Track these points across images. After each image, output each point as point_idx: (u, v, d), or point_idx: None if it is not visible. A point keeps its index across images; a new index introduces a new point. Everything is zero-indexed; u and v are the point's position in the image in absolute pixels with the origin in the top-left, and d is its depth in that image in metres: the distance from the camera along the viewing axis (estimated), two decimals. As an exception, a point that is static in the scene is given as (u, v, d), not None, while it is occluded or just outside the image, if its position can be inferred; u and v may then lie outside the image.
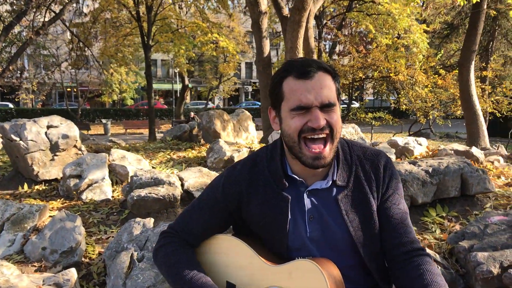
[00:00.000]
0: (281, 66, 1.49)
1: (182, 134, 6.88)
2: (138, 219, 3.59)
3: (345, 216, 1.49)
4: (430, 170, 3.28)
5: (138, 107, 39.08)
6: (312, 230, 1.51)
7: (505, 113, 19.03)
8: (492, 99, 18.50)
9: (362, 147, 1.60)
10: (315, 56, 9.32)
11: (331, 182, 1.51)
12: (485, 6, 12.53)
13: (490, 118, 19.39)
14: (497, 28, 19.68)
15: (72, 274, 3.25)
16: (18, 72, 13.46)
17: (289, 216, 1.51)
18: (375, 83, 20.69)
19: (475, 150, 4.86)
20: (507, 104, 18.97)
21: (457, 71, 14.20)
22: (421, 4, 19.34)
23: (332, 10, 23.73)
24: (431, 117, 19.43)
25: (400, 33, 17.86)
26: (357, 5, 19.63)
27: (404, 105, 19.39)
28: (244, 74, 47.84)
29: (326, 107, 1.40)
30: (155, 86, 39.11)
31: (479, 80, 18.90)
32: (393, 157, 5.25)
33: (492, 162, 5.19)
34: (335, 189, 1.52)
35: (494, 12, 12.86)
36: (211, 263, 1.62)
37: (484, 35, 19.98)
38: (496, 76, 19.93)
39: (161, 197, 4.12)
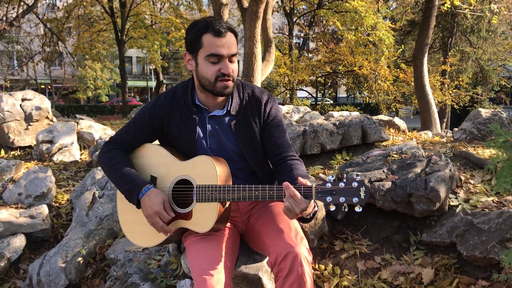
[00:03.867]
0: (200, 23, 2.09)
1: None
2: (100, 167, 4.25)
3: (235, 135, 2.21)
4: (337, 123, 4.06)
5: (113, 104, 39.27)
6: (212, 143, 2.23)
7: (462, 105, 20.17)
8: (450, 91, 19.55)
9: (251, 86, 2.30)
10: (272, 54, 9.95)
11: (226, 111, 2.22)
12: (437, 2, 13.43)
13: (448, 110, 20.47)
14: (455, 25, 20.72)
15: (44, 209, 3.91)
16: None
17: (196, 133, 2.21)
18: (341, 77, 21.53)
19: (397, 120, 5.67)
20: (464, 97, 20.10)
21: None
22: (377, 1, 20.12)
23: (302, 7, 24.49)
24: (394, 109, 20.33)
25: (367, 30, 18.69)
26: (327, 2, 20.27)
27: (368, 98, 20.29)
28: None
29: (232, 56, 2.08)
30: (131, 83, 39.39)
31: (439, 74, 19.95)
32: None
33: (417, 132, 6.04)
34: (229, 117, 2.22)
35: (445, 8, 13.74)
36: (140, 164, 2.27)
37: (444, 31, 21.04)
38: (454, 71, 20.99)
39: (122, 155, 4.80)
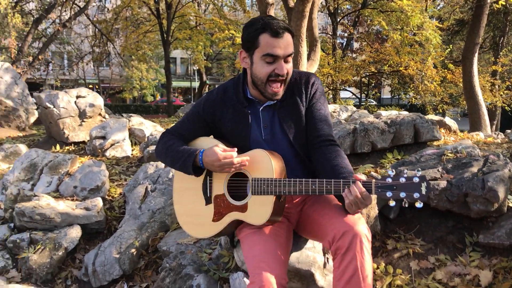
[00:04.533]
0: (258, 22, 2.12)
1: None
2: (152, 162, 4.37)
3: (283, 119, 2.23)
4: (389, 121, 3.99)
5: (158, 104, 40.09)
6: (266, 134, 2.26)
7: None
8: (501, 92, 18.86)
9: (297, 71, 2.32)
10: (317, 53, 9.87)
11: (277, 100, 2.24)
12: (489, 0, 12.99)
13: (498, 112, 19.75)
14: (507, 23, 19.98)
15: (98, 201, 4.04)
16: (45, 64, 14.42)
17: (249, 126, 2.24)
18: (387, 79, 21.16)
19: (447, 120, 5.53)
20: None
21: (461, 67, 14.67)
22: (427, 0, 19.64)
23: (347, 7, 24.23)
24: (440, 111, 19.82)
25: (413, 29, 18.30)
26: (372, 2, 20.00)
27: (413, 99, 19.85)
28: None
29: (288, 57, 2.10)
30: (175, 83, 40.10)
31: (489, 74, 19.29)
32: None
33: (469, 133, 5.87)
34: (278, 103, 2.24)
35: (497, 6, 13.27)
36: None
37: (495, 30, 20.32)
38: (505, 71, 20.25)
39: (171, 151, 4.90)
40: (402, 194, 1.85)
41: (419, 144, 4.06)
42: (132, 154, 5.52)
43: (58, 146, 5.84)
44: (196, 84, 37.75)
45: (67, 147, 5.94)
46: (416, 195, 1.84)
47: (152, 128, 5.92)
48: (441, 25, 19.50)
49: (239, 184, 2.22)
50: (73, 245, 3.77)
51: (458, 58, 22.01)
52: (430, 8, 21.30)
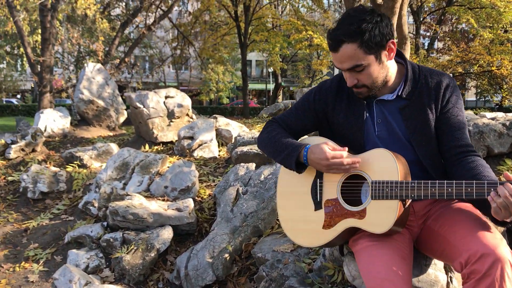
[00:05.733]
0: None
1: (278, 111, 7.50)
2: (242, 164, 4.22)
3: (405, 120, 1.95)
4: (507, 123, 3.55)
5: (233, 106, 40.61)
6: (380, 130, 1.99)
7: None
8: None
9: (429, 69, 2.02)
10: (407, 52, 9.37)
11: (396, 96, 1.97)
12: None
13: None
14: None
15: (190, 202, 3.96)
16: (131, 67, 15.00)
17: (364, 118, 1.99)
18: (476, 79, 19.91)
19: None
20: None
21: None
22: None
23: (430, 5, 23.13)
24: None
25: (506, 27, 17.10)
26: (458, -1, 18.95)
27: (507, 101, 18.52)
28: (337, 73, 47.72)
29: (353, 68, 1.84)
30: (250, 85, 40.42)
31: None
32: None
33: None
34: (400, 100, 1.97)
35: None
36: None
37: None
38: None
39: (260, 152, 4.74)
40: None
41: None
42: (219, 155, 5.44)
43: (147, 146, 5.89)
44: (271, 86, 37.84)
45: (155, 147, 5.98)
46: None
47: (239, 129, 5.80)
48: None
49: (353, 188, 1.97)
50: (165, 246, 3.70)
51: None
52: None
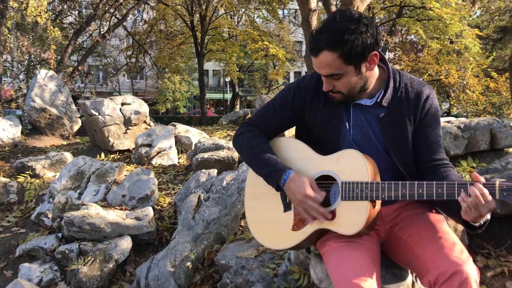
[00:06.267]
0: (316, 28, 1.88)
1: (237, 119, 7.46)
2: (203, 170, 4.14)
3: (382, 129, 1.92)
4: (462, 126, 3.65)
5: (190, 115, 40.28)
6: (355, 133, 1.95)
7: None
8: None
9: (410, 77, 1.98)
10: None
11: (375, 102, 1.93)
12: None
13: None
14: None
15: (150, 211, 3.84)
16: (84, 75, 14.58)
17: (341, 120, 1.95)
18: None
19: None
20: None
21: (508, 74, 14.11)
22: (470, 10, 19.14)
23: (381, 17, 23.83)
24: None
25: (451, 38, 17.81)
26: (407, 11, 19.61)
27: (455, 108, 19.24)
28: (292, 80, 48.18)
29: (330, 76, 1.81)
30: (207, 95, 40.22)
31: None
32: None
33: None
34: (379, 108, 1.93)
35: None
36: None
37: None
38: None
39: (221, 159, 4.67)
40: None
41: (495, 151, 3.69)
42: (179, 163, 5.33)
43: (103, 155, 5.70)
44: (228, 96, 37.82)
45: (112, 156, 5.80)
46: None
47: (199, 136, 5.71)
48: (480, 33, 18.93)
49: (322, 189, 1.93)
50: (124, 257, 3.57)
51: (500, 67, 21.33)
52: (468, 16, 20.73)
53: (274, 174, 1.90)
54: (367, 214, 1.78)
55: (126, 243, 3.60)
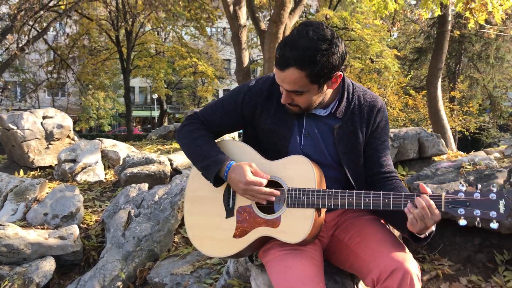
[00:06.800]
0: (284, 40, 1.72)
1: (167, 133, 7.26)
2: (133, 185, 3.95)
3: (336, 142, 1.88)
4: (392, 135, 3.77)
5: (115, 133, 39.06)
6: (306, 144, 1.89)
7: (473, 131, 19.99)
8: (460, 118, 19.39)
9: (363, 89, 1.96)
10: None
11: (329, 112, 1.89)
12: (449, 27, 13.38)
13: (459, 136, 20.27)
14: (463, 51, 20.78)
15: (75, 229, 3.59)
16: (0, 90, 13.66)
17: (292, 128, 1.89)
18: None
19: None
20: (474, 123, 19.95)
21: (426, 92, 15.04)
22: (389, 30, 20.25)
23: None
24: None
25: (372, 57, 18.72)
26: (331, 32, 20.32)
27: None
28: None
29: (292, 92, 1.74)
30: (133, 112, 39.24)
31: (448, 100, 19.84)
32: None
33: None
34: (333, 119, 1.89)
35: (458, 33, 13.72)
36: None
37: (451, 58, 21.05)
38: (463, 97, 20.93)
39: (152, 173, 4.48)
40: (476, 212, 1.58)
41: (424, 159, 3.84)
42: (106, 178, 5.05)
43: (22, 172, 5.28)
44: (155, 113, 37.14)
45: (32, 173, 5.39)
46: (492, 214, 1.56)
47: (127, 150, 5.46)
48: (398, 53, 20.09)
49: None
50: (46, 280, 3.27)
51: (416, 85, 22.67)
52: (388, 37, 21.96)
53: (215, 165, 1.83)
54: (312, 222, 1.74)
55: (48, 265, 3.31)
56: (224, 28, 20.59)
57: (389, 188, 1.86)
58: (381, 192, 1.69)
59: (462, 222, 1.59)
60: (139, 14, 17.90)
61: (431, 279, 2.65)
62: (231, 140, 2.04)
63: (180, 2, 15.80)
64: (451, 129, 18.56)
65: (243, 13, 8.98)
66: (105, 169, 5.18)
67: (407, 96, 19.14)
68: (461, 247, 2.84)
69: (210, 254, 1.97)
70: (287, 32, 9.36)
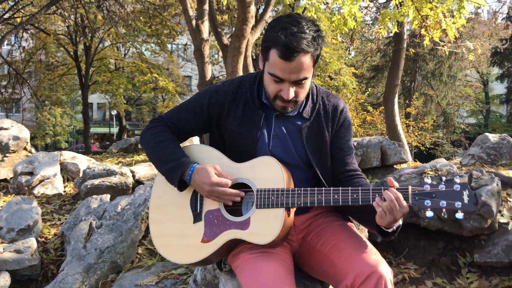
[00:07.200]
0: (275, 25, 1.71)
1: (128, 146, 7.13)
2: (95, 196, 3.84)
3: (305, 142, 1.89)
4: (355, 143, 3.84)
5: (73, 150, 38.02)
6: (274, 145, 1.89)
7: (428, 146, 20.66)
8: (416, 133, 20.02)
9: (326, 91, 2.00)
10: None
11: (297, 112, 1.90)
12: (405, 45, 13.86)
13: (415, 151, 20.89)
14: (417, 69, 21.55)
15: (32, 242, 3.44)
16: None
17: (260, 130, 1.87)
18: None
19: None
20: (429, 138, 20.63)
21: (383, 108, 15.48)
22: (347, 48, 20.79)
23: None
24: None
25: (331, 75, 19.14)
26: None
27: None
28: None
29: (299, 81, 1.72)
30: (91, 129, 38.40)
31: (403, 116, 20.47)
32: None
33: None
34: (300, 119, 1.90)
35: (413, 51, 14.23)
36: None
37: (406, 76, 21.78)
38: (418, 113, 21.64)
39: (114, 185, 4.37)
40: (442, 203, 1.61)
41: (386, 167, 3.92)
42: (65, 191, 4.88)
43: (-27, 186, 5.05)
44: (114, 130, 36.48)
45: (-16, 187, 5.17)
46: (457, 204, 1.61)
47: (87, 162, 5.31)
48: (356, 71, 20.65)
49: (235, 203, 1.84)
50: (0, 296, 3.11)
51: (374, 102, 23.30)
52: (346, 56, 22.58)
53: (178, 168, 1.80)
54: (282, 222, 1.72)
55: (3, 280, 3.15)
56: (186, 44, 20.52)
57: (355, 186, 1.87)
58: (349, 188, 1.70)
59: (429, 213, 1.62)
60: (99, 29, 17.64)
61: (397, 282, 2.68)
62: (198, 144, 2.01)
63: (141, 17, 15.74)
64: (407, 144, 19.17)
65: (205, 27, 8.97)
66: (64, 182, 5.01)
67: (365, 112, 19.64)
68: (426, 251, 2.90)
69: (178, 261, 1.92)
70: (250, 48, 9.45)
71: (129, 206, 3.61)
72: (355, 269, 1.66)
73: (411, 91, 21.64)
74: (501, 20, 21.14)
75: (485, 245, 2.77)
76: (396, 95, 13.70)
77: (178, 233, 1.86)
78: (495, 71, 28.33)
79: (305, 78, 1.73)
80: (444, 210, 1.62)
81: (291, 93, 1.74)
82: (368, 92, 20.47)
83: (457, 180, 1.63)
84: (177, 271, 2.99)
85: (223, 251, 1.85)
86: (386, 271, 1.65)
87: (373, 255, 1.71)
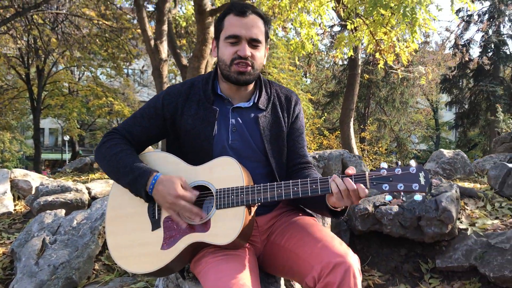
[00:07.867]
0: (228, 5, 1.95)
1: (83, 166, 6.89)
2: (49, 211, 3.66)
3: (262, 131, 1.89)
4: (317, 156, 3.87)
5: (22, 177, 36.52)
6: (234, 139, 1.87)
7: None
8: (371, 157, 20.48)
9: (278, 85, 2.04)
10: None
11: (252, 103, 1.91)
12: (359, 71, 14.30)
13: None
14: (371, 96, 22.22)
15: (-21, 260, 3.21)
16: None
17: (215, 126, 1.86)
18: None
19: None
20: (384, 162, 21.11)
21: (339, 132, 15.82)
22: (304, 74, 21.24)
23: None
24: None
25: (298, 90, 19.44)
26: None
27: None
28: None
29: (254, 41, 1.81)
30: (43, 155, 37.12)
31: (358, 141, 20.95)
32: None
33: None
34: (256, 110, 1.92)
35: (367, 77, 14.70)
36: None
37: (361, 102, 22.41)
38: (372, 138, 22.21)
39: (69, 201, 4.19)
40: (400, 186, 1.62)
41: (347, 179, 3.95)
42: (15, 210, 4.62)
43: None
44: (67, 156, 35.41)
45: None
46: (414, 186, 1.62)
47: (39, 180, 5.07)
48: (312, 97, 21.08)
49: (195, 201, 1.78)
50: None
51: (330, 127, 23.78)
52: (302, 82, 23.03)
53: (141, 179, 1.73)
54: (243, 220, 1.68)
55: None
56: (143, 66, 20.39)
57: (306, 176, 1.88)
58: (308, 179, 1.68)
59: (388, 197, 1.62)
60: (53, 51, 17.27)
61: (362, 289, 2.66)
62: (153, 152, 1.94)
63: (97, 40, 15.52)
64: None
65: (164, 47, 8.96)
66: (14, 200, 4.76)
67: (321, 136, 19.98)
68: (389, 258, 2.91)
69: (139, 271, 1.83)
70: (209, 69, 9.47)
71: (85, 221, 3.46)
72: (322, 260, 1.63)
73: (365, 117, 22.24)
74: (449, 49, 22.21)
75: (446, 250, 2.81)
76: (352, 119, 14.06)
77: (136, 243, 1.78)
78: (444, 98, 29.60)
79: (259, 41, 1.83)
80: (402, 193, 1.63)
81: (248, 51, 1.80)
82: (324, 117, 20.89)
83: (412, 163, 1.65)
84: (137, 285, 2.87)
85: (185, 256, 1.78)
86: (354, 260, 1.63)
87: (339, 244, 1.69)
